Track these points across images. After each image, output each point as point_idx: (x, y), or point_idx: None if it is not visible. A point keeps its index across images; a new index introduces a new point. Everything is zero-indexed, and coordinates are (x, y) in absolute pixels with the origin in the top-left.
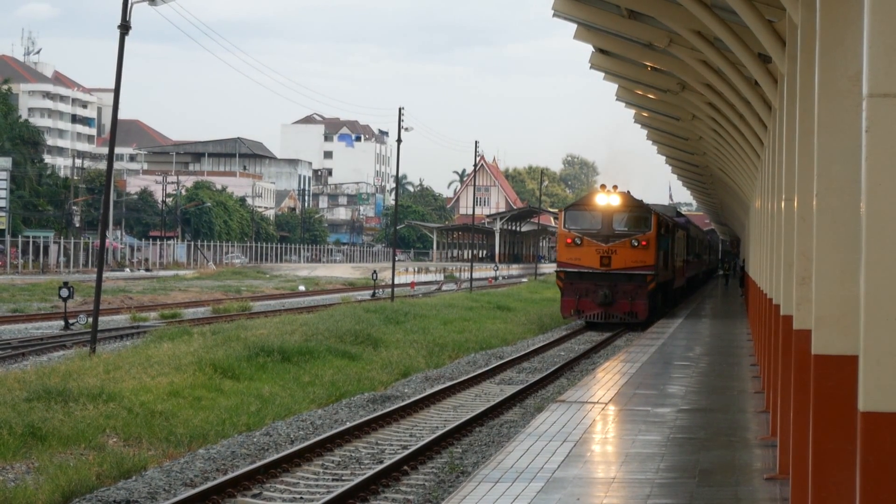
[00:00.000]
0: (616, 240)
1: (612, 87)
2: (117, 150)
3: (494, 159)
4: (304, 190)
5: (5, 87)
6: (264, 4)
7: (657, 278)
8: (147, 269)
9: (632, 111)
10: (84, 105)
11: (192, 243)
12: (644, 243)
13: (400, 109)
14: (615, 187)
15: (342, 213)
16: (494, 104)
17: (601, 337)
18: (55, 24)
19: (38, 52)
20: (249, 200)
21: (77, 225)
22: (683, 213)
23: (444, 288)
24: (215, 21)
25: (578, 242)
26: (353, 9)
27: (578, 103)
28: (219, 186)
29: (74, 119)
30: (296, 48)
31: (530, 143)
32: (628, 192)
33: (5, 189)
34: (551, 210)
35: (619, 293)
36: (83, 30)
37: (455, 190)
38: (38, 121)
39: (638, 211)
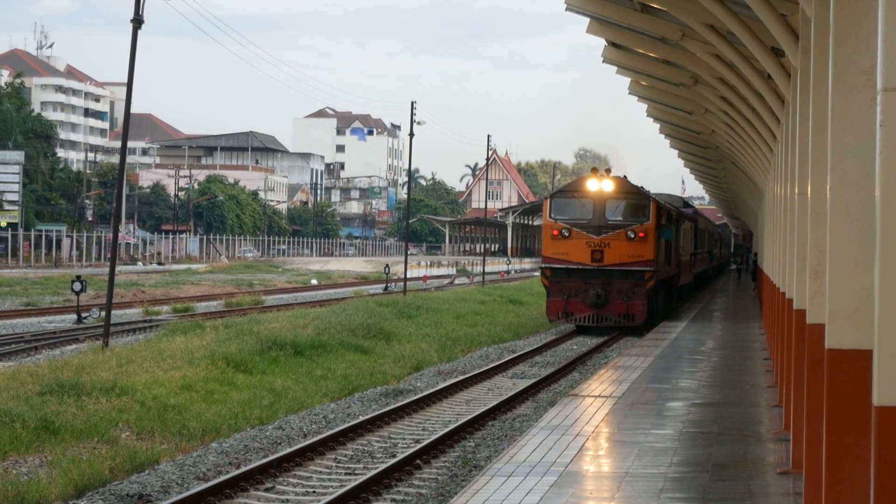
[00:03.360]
0: (609, 231)
1: (626, 81)
2: (130, 144)
3: (507, 153)
4: (316, 184)
5: (18, 80)
6: None
7: (657, 275)
8: (159, 263)
9: (645, 105)
10: (97, 99)
11: (205, 237)
12: (642, 235)
13: (412, 103)
14: (608, 171)
15: (354, 207)
16: (509, 98)
17: (613, 332)
18: (73, 19)
19: (50, 46)
20: (262, 194)
21: (90, 219)
22: (695, 206)
23: (456, 282)
24: (233, 15)
25: (566, 234)
26: (371, 2)
27: (592, 97)
28: (231, 180)
29: (87, 113)
30: (313, 41)
31: (543, 137)
32: (624, 176)
33: (18, 183)
34: None
35: (614, 292)
36: (101, 24)
37: (467, 184)
38: (51, 114)
39: (635, 198)
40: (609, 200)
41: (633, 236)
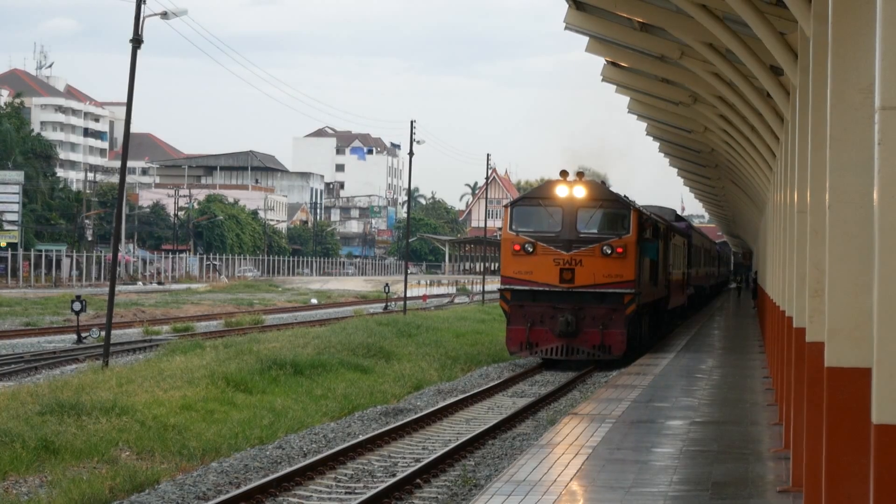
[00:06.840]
0: (582, 246)
1: (626, 100)
2: (129, 164)
3: (507, 172)
4: (315, 203)
5: (17, 100)
6: (289, 18)
7: (639, 298)
8: (159, 283)
9: (644, 123)
10: (96, 119)
11: (205, 257)
12: (620, 250)
13: (412, 122)
14: (580, 174)
15: (354, 226)
16: (511, 117)
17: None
18: (74, 39)
19: (49, 66)
20: (261, 214)
21: (89, 238)
22: (695, 223)
23: (456, 301)
24: (239, 35)
25: (530, 250)
26: (376, 21)
27: (592, 115)
28: (231, 200)
29: (86, 133)
30: (318, 61)
31: (543, 155)
32: (602, 181)
33: (18, 203)
34: None
35: (587, 319)
36: (101, 44)
37: (467, 203)
38: (51, 134)
39: (612, 206)
40: (581, 209)
41: (609, 252)
